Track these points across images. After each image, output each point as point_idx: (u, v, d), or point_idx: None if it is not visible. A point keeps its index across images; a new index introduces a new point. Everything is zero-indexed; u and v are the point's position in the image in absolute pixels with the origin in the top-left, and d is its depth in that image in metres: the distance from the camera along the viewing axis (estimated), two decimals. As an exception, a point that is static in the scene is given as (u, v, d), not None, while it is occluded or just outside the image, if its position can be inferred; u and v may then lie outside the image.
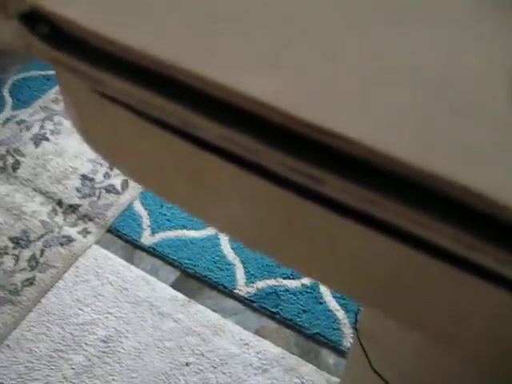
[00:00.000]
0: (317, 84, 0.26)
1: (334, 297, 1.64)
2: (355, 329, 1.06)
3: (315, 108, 0.24)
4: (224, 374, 1.51)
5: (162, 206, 1.90)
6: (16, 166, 2.07)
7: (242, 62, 0.26)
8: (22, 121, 2.26)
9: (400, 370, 1.00)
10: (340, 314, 1.60)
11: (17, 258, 1.78)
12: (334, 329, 1.58)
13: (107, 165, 2.05)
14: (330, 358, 1.54)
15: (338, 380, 1.49)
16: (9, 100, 2.37)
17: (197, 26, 0.28)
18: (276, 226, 0.31)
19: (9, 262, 1.77)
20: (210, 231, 1.82)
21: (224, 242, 1.78)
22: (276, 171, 0.25)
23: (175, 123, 0.27)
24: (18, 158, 2.10)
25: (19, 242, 1.82)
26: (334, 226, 0.27)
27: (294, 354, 1.54)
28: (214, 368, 1.52)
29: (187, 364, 1.53)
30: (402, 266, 0.27)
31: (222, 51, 0.27)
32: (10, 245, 1.81)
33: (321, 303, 1.63)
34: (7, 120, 2.28)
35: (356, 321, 1.12)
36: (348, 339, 1.55)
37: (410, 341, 0.91)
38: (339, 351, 1.54)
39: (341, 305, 1.62)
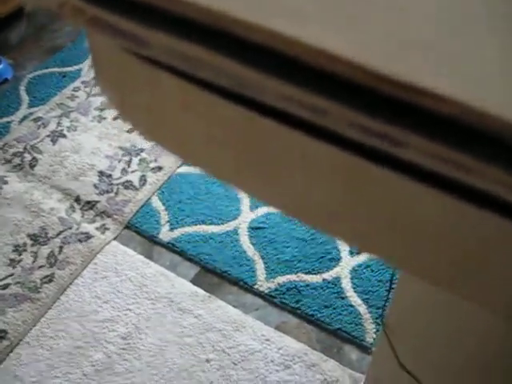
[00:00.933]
0: (394, 36, 0.24)
1: (355, 292, 1.62)
2: (382, 323, 1.04)
3: (395, 62, 0.22)
4: (245, 370, 1.49)
5: (180, 201, 1.89)
6: (33, 163, 2.07)
7: (307, 13, 0.24)
8: (39, 118, 2.26)
9: (428, 364, 0.97)
10: (362, 308, 1.58)
11: (35, 255, 1.77)
12: (357, 324, 1.55)
13: (124, 161, 2.04)
14: (353, 353, 1.52)
15: (361, 375, 1.47)
16: (25, 97, 2.37)
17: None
18: (340, 197, 0.28)
19: (27, 259, 1.76)
20: (229, 226, 1.80)
21: (243, 237, 1.76)
22: (346, 134, 0.23)
23: (229, 85, 0.25)
24: (36, 155, 2.10)
25: (38, 238, 1.81)
26: (406, 193, 0.25)
27: (316, 349, 1.52)
28: (235, 364, 1.50)
29: (208, 360, 1.51)
30: (481, 233, 0.24)
31: (282, 2, 0.24)
32: (29, 242, 1.80)
33: (342, 298, 1.61)
34: (24, 117, 2.27)
35: (383, 315, 1.10)
36: (371, 334, 1.53)
37: (440, 333, 0.89)
38: (362, 347, 1.52)
39: (363, 300, 1.60)
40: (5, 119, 2.27)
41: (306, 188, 0.29)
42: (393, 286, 1.61)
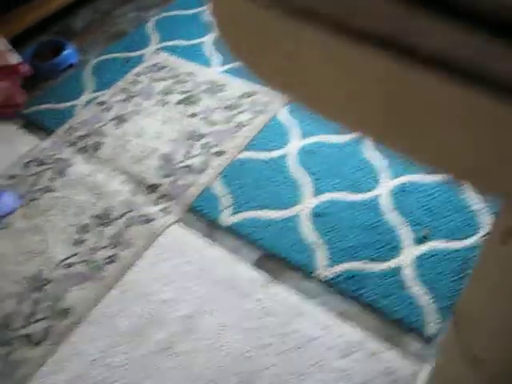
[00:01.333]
0: None
1: (418, 282, 1.58)
2: (453, 313, 1.02)
3: None
4: (304, 356, 1.48)
5: (242, 186, 1.89)
6: (97, 146, 2.10)
7: None
8: (103, 102, 2.29)
9: (498, 355, 0.95)
10: (424, 299, 1.55)
11: (99, 236, 1.80)
12: (418, 314, 1.52)
13: (187, 145, 2.05)
14: (413, 344, 1.49)
15: (421, 366, 1.44)
16: (90, 82, 2.41)
17: None
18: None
19: (91, 239, 1.79)
20: (291, 212, 1.79)
21: (305, 223, 1.75)
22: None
23: (390, 31, 0.23)
24: (99, 138, 2.13)
25: (101, 220, 1.84)
26: None
27: (376, 338, 1.50)
28: (295, 350, 1.49)
29: (267, 345, 1.51)
30: None
31: None
32: (93, 222, 1.84)
33: (404, 288, 1.58)
34: (88, 101, 2.32)
35: (453, 305, 1.08)
36: (432, 325, 1.50)
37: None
38: (423, 337, 1.49)
39: (425, 290, 1.56)
40: (70, 103, 2.32)
41: (465, 144, 0.28)
42: (464, 276, 1.57)
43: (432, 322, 1.50)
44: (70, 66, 2.53)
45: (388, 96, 0.29)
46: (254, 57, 0.35)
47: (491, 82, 0.23)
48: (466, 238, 1.67)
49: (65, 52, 2.52)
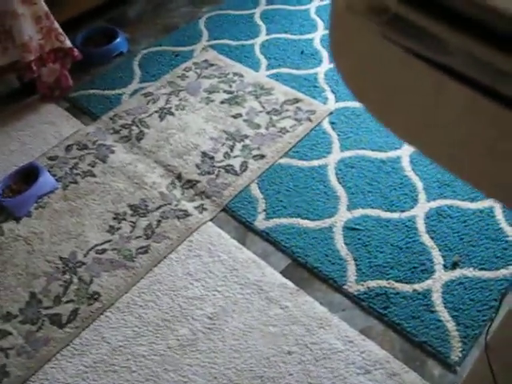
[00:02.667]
0: None
1: (445, 307, 1.58)
2: (485, 343, 1.02)
3: None
4: (326, 368, 1.49)
5: (278, 191, 1.90)
6: (140, 136, 2.13)
7: None
8: (149, 93, 2.32)
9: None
10: (450, 325, 1.54)
11: (134, 226, 1.82)
12: (443, 340, 1.52)
13: (228, 145, 2.06)
14: (436, 369, 1.49)
15: (441, 393, 1.44)
16: (138, 72, 2.44)
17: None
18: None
19: (126, 228, 1.82)
20: (324, 223, 1.80)
21: (338, 236, 1.76)
22: None
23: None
24: (143, 129, 2.16)
25: (137, 210, 1.87)
26: None
27: (398, 359, 1.50)
28: (316, 361, 1.50)
29: (290, 353, 1.52)
30: None
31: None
32: (129, 212, 1.86)
33: (431, 312, 1.58)
34: (135, 91, 2.35)
35: (487, 334, 1.08)
36: (456, 352, 1.49)
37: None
38: (446, 363, 1.49)
39: (452, 316, 1.56)
40: (117, 91, 2.35)
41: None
42: (492, 307, 1.57)
43: (455, 349, 1.50)
44: (120, 54, 2.57)
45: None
46: (381, 106, 0.36)
47: None
48: (497, 269, 1.66)
49: (116, 40, 2.55)
